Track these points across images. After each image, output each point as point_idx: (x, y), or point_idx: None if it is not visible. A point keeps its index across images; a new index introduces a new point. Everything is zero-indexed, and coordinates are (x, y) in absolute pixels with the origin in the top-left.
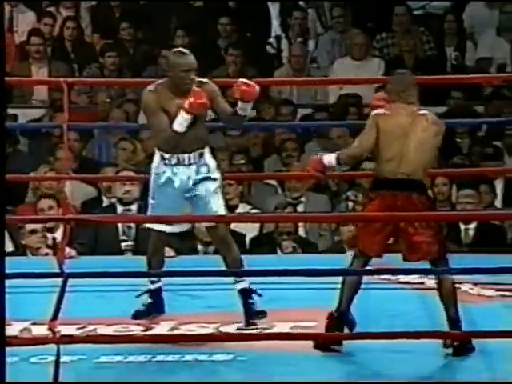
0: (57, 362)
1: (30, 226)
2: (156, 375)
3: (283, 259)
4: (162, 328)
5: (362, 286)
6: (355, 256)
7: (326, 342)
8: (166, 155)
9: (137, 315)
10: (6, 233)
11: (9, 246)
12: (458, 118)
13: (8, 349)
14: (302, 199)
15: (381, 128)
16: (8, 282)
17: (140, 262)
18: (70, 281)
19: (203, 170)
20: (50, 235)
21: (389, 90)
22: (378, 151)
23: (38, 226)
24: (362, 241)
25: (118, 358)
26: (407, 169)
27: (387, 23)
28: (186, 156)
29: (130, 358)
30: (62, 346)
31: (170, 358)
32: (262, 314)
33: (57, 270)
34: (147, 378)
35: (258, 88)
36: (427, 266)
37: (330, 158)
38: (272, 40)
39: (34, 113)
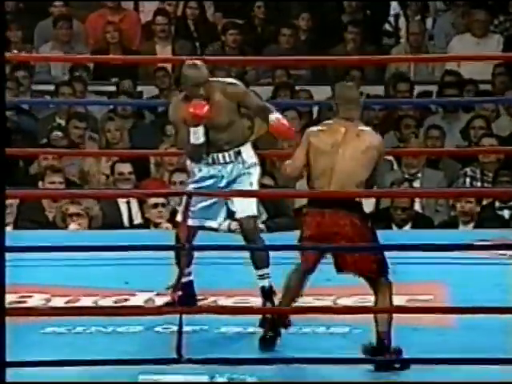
0: (179, 332)
1: (152, 200)
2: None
3: (399, 234)
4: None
5: (477, 261)
6: (296, 268)
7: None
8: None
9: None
10: (136, 205)
11: (138, 218)
12: None
13: (134, 318)
14: (419, 175)
15: (312, 144)
16: (132, 255)
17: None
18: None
19: (239, 167)
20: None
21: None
22: (309, 167)
23: (161, 200)
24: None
25: (237, 329)
26: (337, 185)
27: (505, 5)
28: (220, 155)
29: (249, 330)
30: (184, 317)
31: (290, 330)
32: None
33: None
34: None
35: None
36: None
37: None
38: (390, 18)
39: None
